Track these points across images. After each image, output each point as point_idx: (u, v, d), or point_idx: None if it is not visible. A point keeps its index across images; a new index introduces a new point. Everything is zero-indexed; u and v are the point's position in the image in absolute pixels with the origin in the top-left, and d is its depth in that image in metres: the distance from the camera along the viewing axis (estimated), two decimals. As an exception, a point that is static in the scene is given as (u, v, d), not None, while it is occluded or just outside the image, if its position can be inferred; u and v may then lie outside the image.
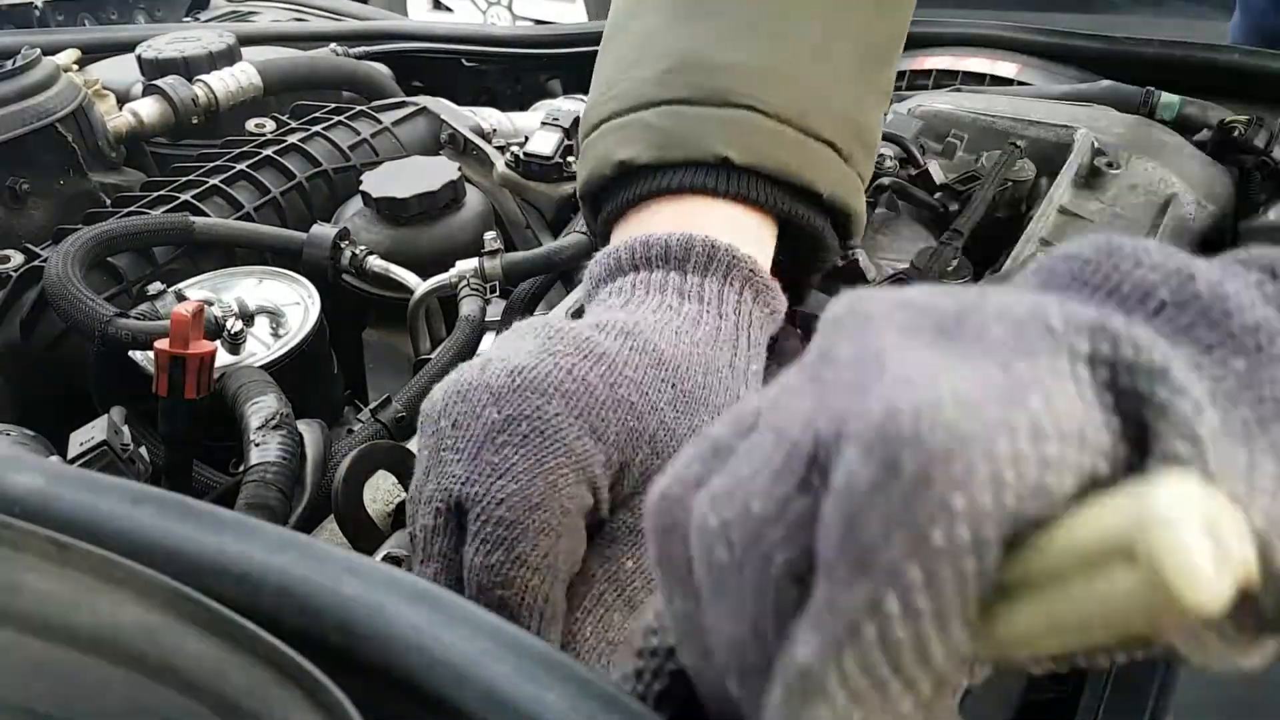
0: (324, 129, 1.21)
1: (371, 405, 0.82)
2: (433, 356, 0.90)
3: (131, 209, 1.02)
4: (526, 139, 1.23)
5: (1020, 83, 1.34)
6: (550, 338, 0.50)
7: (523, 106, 1.53)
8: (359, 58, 1.54)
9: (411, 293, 1.01)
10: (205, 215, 1.03)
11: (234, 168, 1.11)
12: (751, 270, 0.58)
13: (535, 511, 0.46)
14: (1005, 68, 1.36)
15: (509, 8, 4.07)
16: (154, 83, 1.24)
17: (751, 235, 0.61)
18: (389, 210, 1.08)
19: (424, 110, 1.30)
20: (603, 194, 0.64)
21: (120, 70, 1.34)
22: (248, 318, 0.90)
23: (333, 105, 1.28)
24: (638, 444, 0.49)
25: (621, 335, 0.52)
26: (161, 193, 1.06)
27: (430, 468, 0.50)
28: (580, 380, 0.48)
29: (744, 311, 0.57)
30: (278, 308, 0.94)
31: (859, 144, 0.65)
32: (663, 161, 0.59)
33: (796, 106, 0.60)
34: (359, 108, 1.28)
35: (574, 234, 1.07)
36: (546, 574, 0.46)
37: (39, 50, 1.11)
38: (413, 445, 0.76)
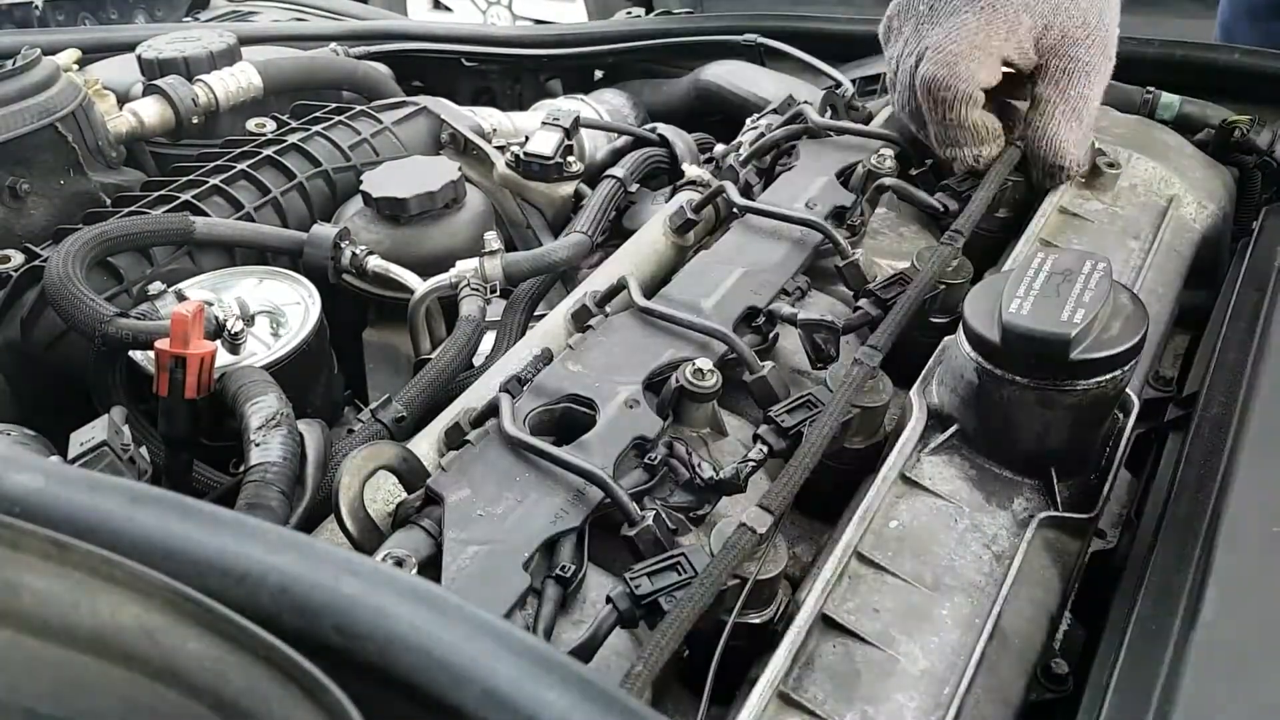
0: (324, 129, 1.21)
1: (371, 405, 0.82)
2: (433, 356, 0.90)
3: (131, 209, 1.02)
4: (527, 139, 1.23)
5: (1020, 83, 1.33)
6: None
7: (523, 106, 1.53)
8: (359, 58, 1.54)
9: (411, 293, 1.01)
10: (205, 215, 1.03)
11: (234, 168, 1.11)
12: None
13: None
14: (1005, 68, 1.36)
15: (509, 8, 4.07)
16: (154, 83, 1.24)
17: None
18: (389, 210, 1.08)
19: (424, 110, 1.30)
20: None
21: (120, 70, 1.34)
22: (248, 318, 0.90)
23: (333, 105, 1.28)
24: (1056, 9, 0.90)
25: None
26: (161, 193, 1.06)
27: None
28: None
29: None
30: (278, 308, 0.94)
31: None
32: None
33: None
34: (359, 108, 1.28)
35: (574, 234, 1.07)
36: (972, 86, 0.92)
37: (39, 50, 1.11)
38: (413, 445, 0.76)
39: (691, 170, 1.14)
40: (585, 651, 0.57)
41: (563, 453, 0.68)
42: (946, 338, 0.77)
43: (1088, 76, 0.94)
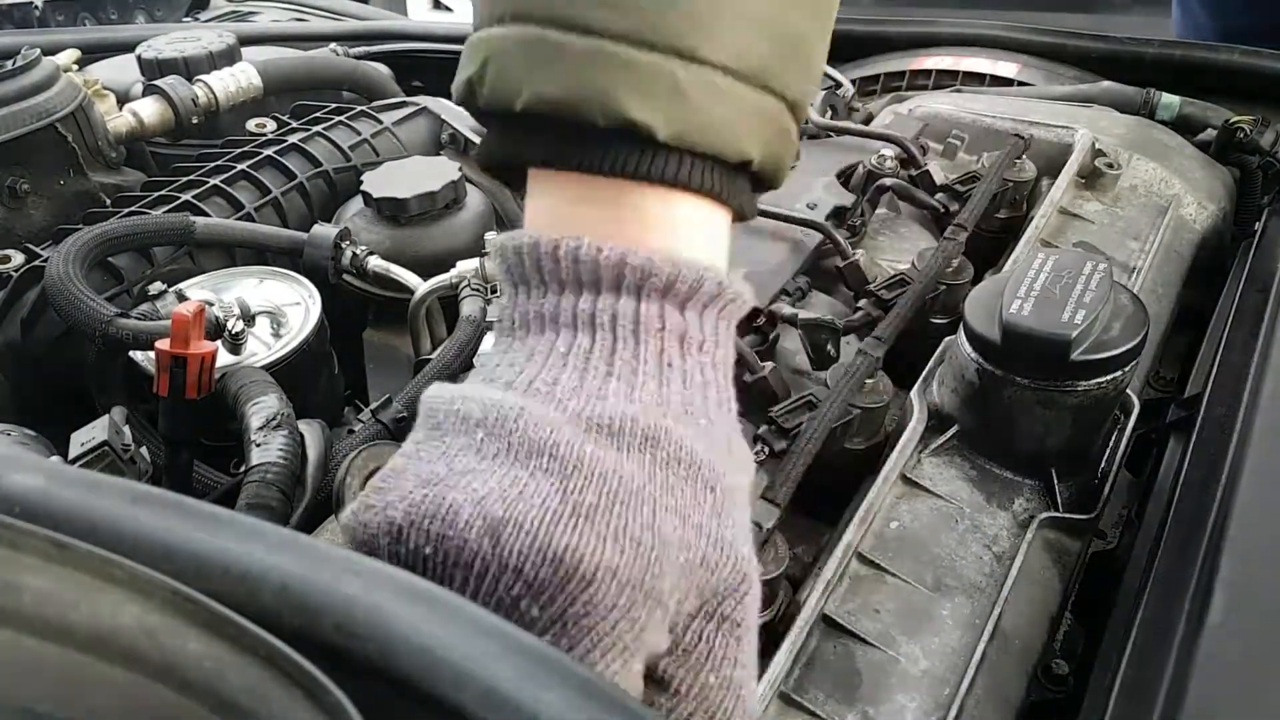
0: (324, 129, 1.21)
1: (372, 405, 0.82)
2: (433, 356, 0.90)
3: (132, 209, 1.02)
4: (527, 139, 1.23)
5: (1020, 83, 1.34)
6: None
7: (523, 107, 1.53)
8: (359, 58, 1.54)
9: (412, 293, 1.01)
10: (206, 215, 1.03)
11: (234, 168, 1.11)
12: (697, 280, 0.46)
13: None
14: (1005, 68, 1.36)
15: (509, 8, 4.07)
16: (154, 83, 1.23)
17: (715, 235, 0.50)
18: (390, 210, 1.08)
19: (424, 110, 1.30)
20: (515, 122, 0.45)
21: (120, 70, 1.34)
22: (249, 318, 0.90)
23: (333, 105, 1.27)
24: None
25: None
26: (162, 193, 1.06)
27: None
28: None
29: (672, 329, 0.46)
30: (278, 308, 0.94)
31: (799, 69, 0.47)
32: (576, 114, 0.42)
33: (734, 47, 0.43)
34: (359, 108, 1.28)
35: (574, 234, 1.07)
36: None
37: (39, 50, 1.11)
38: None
39: (692, 170, 1.14)
40: (586, 652, 0.57)
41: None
42: (947, 338, 0.77)
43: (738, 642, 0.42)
